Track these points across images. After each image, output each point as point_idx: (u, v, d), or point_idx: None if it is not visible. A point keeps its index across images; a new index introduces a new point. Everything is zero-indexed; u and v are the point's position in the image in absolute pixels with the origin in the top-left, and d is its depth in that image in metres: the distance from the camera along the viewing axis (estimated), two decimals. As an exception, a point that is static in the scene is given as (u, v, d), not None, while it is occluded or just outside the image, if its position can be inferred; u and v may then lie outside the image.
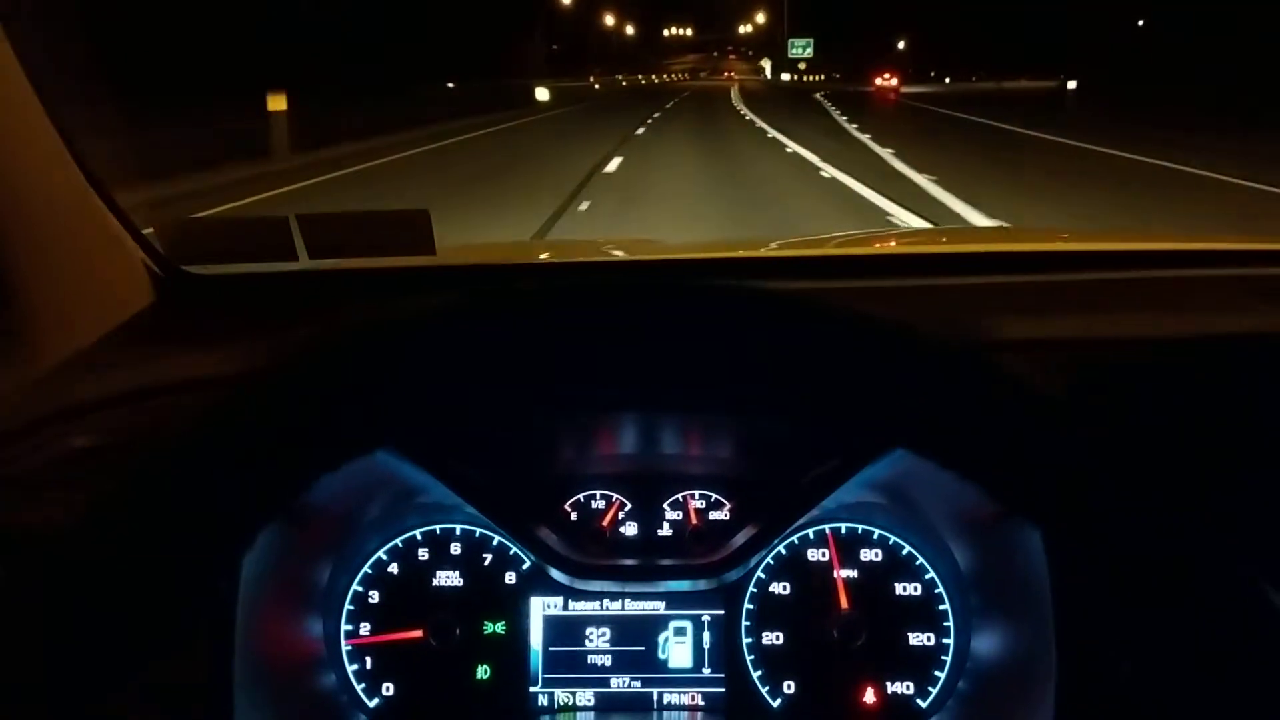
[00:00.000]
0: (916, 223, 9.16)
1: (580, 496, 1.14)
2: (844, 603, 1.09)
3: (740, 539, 1.05)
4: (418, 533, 1.12)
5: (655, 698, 1.10)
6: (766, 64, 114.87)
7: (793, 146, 17.63)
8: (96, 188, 1.03)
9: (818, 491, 1.02)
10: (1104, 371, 1.00)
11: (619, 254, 1.79)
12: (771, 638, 1.09)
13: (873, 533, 1.12)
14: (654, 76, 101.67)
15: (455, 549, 1.12)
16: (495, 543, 1.12)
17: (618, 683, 1.10)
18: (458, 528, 1.12)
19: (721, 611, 1.10)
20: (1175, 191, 11.77)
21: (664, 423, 1.09)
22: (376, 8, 37.24)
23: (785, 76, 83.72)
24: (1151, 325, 1.11)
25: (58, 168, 0.98)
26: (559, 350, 0.96)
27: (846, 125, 23.90)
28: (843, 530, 1.12)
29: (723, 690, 1.10)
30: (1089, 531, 0.85)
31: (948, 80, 65.10)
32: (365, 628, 1.09)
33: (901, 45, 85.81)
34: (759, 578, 1.11)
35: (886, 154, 15.63)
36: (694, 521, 1.14)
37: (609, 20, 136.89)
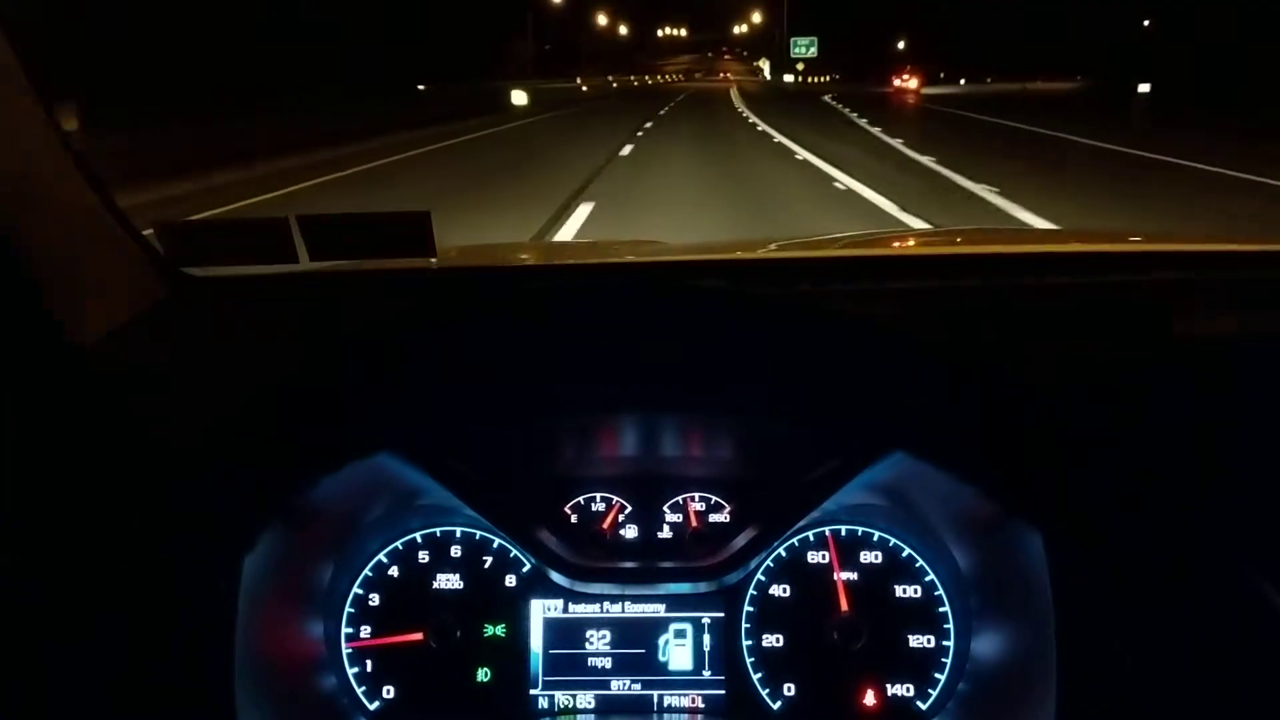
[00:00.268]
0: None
1: (580, 499, 1.15)
2: (844, 605, 1.09)
3: (740, 541, 1.05)
4: (418, 535, 1.12)
5: (655, 700, 1.10)
6: (765, 64, 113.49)
7: (845, 181, 11.17)
8: (96, 190, 1.02)
9: (818, 494, 1.02)
10: (1104, 373, 1.00)
11: (620, 256, 1.79)
12: (772, 640, 1.09)
13: (873, 535, 1.12)
14: (646, 77, 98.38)
15: (456, 551, 1.12)
16: (496, 545, 1.12)
17: (618, 685, 1.10)
18: (458, 530, 1.12)
19: (722, 614, 1.10)
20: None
21: (664, 425, 1.09)
22: (358, 8, 35.41)
23: (788, 78, 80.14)
24: (1152, 326, 1.11)
25: (57, 169, 0.98)
26: (559, 351, 0.96)
27: (891, 140, 17.20)
28: (843, 532, 1.12)
29: (723, 692, 1.10)
30: (1089, 532, 0.85)
31: (963, 81, 62.96)
32: (366, 630, 1.09)
33: (901, 45, 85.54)
34: (759, 580, 1.11)
35: (989, 194, 9.84)
36: (694, 524, 1.14)
37: (602, 20, 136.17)
